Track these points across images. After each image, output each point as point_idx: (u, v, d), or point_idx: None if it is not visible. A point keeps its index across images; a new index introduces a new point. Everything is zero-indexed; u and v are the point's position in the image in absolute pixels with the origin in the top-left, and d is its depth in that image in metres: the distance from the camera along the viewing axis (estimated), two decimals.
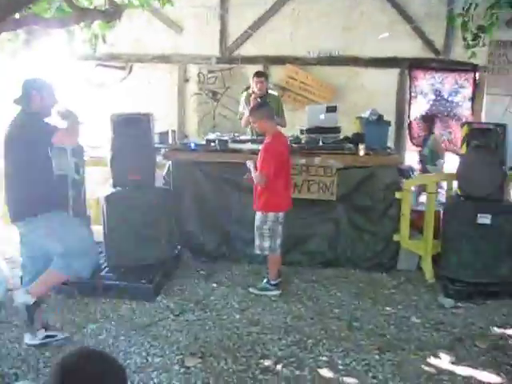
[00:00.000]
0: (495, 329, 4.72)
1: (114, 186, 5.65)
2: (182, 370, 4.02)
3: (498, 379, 3.93)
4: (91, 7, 6.15)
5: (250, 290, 5.43)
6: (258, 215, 5.32)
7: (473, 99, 8.09)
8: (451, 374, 4.00)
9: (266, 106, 5.58)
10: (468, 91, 8.11)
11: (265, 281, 5.46)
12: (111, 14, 5.11)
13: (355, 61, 8.44)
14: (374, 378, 3.94)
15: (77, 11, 4.98)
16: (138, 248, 5.40)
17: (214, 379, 3.90)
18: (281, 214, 5.32)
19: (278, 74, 8.64)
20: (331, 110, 6.40)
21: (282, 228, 5.36)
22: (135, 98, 8.30)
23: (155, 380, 3.88)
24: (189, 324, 4.77)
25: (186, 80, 8.96)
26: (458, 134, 7.84)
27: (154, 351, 4.28)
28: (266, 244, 5.32)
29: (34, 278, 4.50)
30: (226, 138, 6.35)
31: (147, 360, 4.15)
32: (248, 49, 8.71)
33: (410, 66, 8.40)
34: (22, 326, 4.44)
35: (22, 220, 4.38)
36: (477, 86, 8.14)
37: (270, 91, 7.28)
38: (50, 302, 5.10)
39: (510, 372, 4.03)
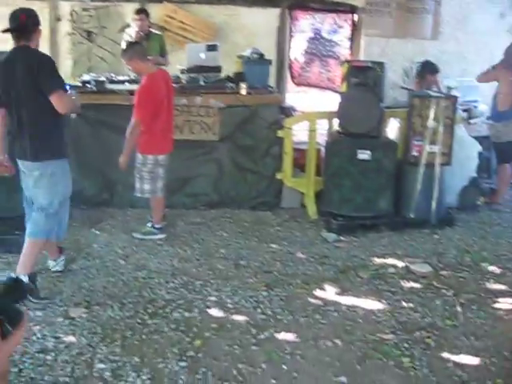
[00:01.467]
0: (376, 259, 4.94)
1: None
2: (67, 321, 3.85)
3: (380, 305, 4.13)
4: None
5: (134, 235, 5.30)
6: (138, 157, 5.15)
7: (351, 40, 8.19)
8: (337, 304, 4.14)
9: (137, 45, 5.34)
10: (347, 31, 8.20)
11: (149, 225, 5.34)
12: None
13: (234, 0, 8.26)
14: (262, 313, 3.99)
15: None
16: (11, 198, 5.05)
17: (101, 328, 3.77)
18: (161, 157, 5.17)
19: (156, 13, 8.26)
20: (212, 48, 6.26)
21: (165, 170, 5.23)
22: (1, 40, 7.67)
23: (38, 335, 3.66)
24: (71, 273, 4.57)
25: (58, 19, 8.37)
26: (337, 72, 7.96)
27: (35, 305, 4.05)
28: (147, 186, 5.18)
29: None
30: (102, 78, 6.03)
31: (28, 315, 3.92)
32: None
33: (290, 6, 8.35)
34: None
35: (40, 161, 4.03)
36: (355, 26, 8.25)
37: (152, 30, 6.99)
38: None
39: (390, 298, 4.25)
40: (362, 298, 4.22)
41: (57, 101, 3.90)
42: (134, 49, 5.13)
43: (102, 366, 3.36)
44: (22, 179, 4.24)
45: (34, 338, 3.63)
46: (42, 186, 4.11)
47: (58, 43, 8.41)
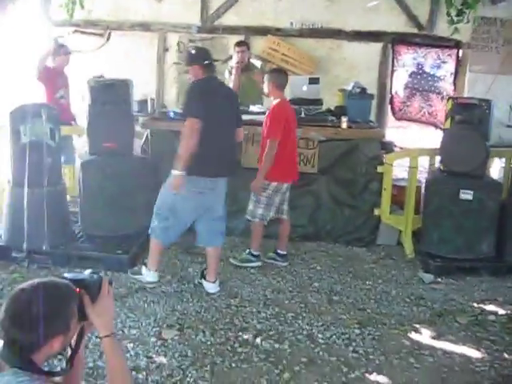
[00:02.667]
0: (475, 304, 4.72)
1: (91, 153, 5.49)
2: (159, 342, 3.94)
3: (478, 354, 3.92)
4: None
5: (231, 260, 5.35)
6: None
7: (455, 75, 8.01)
8: (432, 348, 3.98)
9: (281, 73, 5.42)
10: (450, 66, 8.02)
11: (247, 251, 5.37)
12: None
13: (338, 33, 8.28)
14: (354, 352, 3.90)
15: None
16: (115, 218, 5.27)
17: (192, 351, 3.82)
18: (284, 185, 5.21)
19: (259, 44, 8.45)
20: (314, 81, 6.29)
21: (283, 199, 5.28)
22: (113, 67, 8.06)
23: (131, 352, 3.78)
24: (166, 296, 4.67)
25: (166, 49, 8.73)
26: (438, 107, 7.79)
27: (131, 323, 4.18)
28: (260, 211, 5.19)
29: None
30: None
31: (123, 332, 4.05)
32: (230, 18, 8.48)
33: (393, 40, 8.29)
34: None
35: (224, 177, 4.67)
36: (460, 62, 8.06)
37: (252, 61, 7.13)
38: (23, 272, 4.97)
39: (490, 347, 4.03)
40: (459, 345, 4.04)
41: (240, 133, 4.80)
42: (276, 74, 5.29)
43: None
44: (203, 198, 4.58)
45: (128, 355, 3.73)
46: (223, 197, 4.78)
47: (165, 72, 8.75)
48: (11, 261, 5.15)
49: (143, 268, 4.81)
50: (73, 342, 2.06)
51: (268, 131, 5.05)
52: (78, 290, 2.00)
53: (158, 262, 4.81)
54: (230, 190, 5.65)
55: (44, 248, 5.11)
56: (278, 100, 5.15)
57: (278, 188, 5.15)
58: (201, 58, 4.61)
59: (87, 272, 2.14)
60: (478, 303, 4.74)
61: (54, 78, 6.62)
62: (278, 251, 5.41)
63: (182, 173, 4.35)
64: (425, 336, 4.16)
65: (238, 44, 6.98)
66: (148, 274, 4.76)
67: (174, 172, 4.39)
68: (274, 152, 4.97)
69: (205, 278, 4.82)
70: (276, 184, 5.12)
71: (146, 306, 4.48)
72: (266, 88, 5.27)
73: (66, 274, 2.09)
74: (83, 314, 2.02)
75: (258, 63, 7.33)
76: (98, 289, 2.07)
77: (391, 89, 8.41)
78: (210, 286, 4.77)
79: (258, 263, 5.31)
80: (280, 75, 5.28)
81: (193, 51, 4.82)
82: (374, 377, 3.61)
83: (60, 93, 6.68)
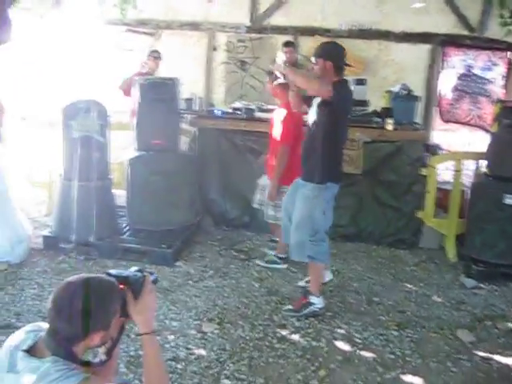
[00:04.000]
0: None
1: (138, 150, 5.63)
2: (199, 335, 4.03)
3: None
4: None
5: (257, 261, 5.36)
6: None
7: (507, 78, 7.86)
8: (470, 353, 3.95)
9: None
10: (501, 69, 7.88)
11: (273, 253, 5.39)
12: None
13: (387, 35, 8.24)
14: (391, 353, 3.91)
15: None
16: (160, 213, 5.40)
17: (231, 345, 3.90)
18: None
19: (307, 45, 8.47)
20: (360, 82, 6.29)
21: None
22: (163, 66, 8.24)
23: (172, 343, 3.89)
24: (208, 290, 4.77)
25: (214, 48, 8.84)
26: (488, 110, 7.66)
27: (172, 315, 4.29)
28: (278, 214, 4.99)
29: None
30: (252, 106, 6.28)
31: (165, 323, 4.16)
32: (278, 19, 8.54)
33: (443, 42, 8.19)
34: None
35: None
36: (511, 64, 7.91)
37: (299, 62, 7.18)
38: (70, 262, 5.14)
39: None
40: (498, 351, 3.99)
41: None
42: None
43: (227, 382, 3.49)
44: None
45: (168, 345, 3.85)
46: None
47: (213, 71, 8.87)
48: (60, 251, 5.34)
49: (311, 297, 4.43)
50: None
51: (282, 138, 4.96)
52: (121, 286, 2.07)
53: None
54: None
55: (91, 240, 5.29)
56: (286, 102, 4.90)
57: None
58: (339, 58, 4.25)
59: (132, 269, 2.18)
60: None
61: None
62: (279, 255, 5.34)
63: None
64: (464, 341, 4.13)
65: (286, 44, 7.04)
66: (317, 301, 4.43)
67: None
68: (286, 158, 4.92)
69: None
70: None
71: (187, 299, 4.58)
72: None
73: (111, 271, 2.13)
74: (125, 310, 2.07)
75: (303, 63, 7.36)
76: (141, 286, 2.11)
77: (439, 91, 8.32)
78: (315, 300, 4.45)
79: (284, 265, 5.29)
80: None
81: (333, 46, 4.40)
82: (409, 378, 3.61)
83: None
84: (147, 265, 5.13)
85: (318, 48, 4.34)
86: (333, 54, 4.25)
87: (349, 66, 4.34)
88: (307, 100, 4.45)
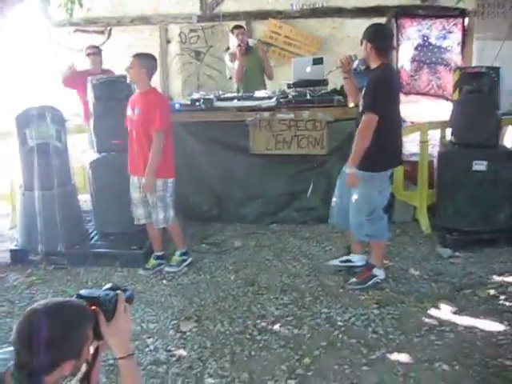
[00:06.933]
0: (494, 277, 4.63)
1: (99, 151, 5.48)
2: (178, 334, 3.95)
3: (500, 327, 3.86)
4: None
5: (166, 268, 5.02)
6: (157, 184, 4.78)
7: (462, 44, 7.87)
8: (453, 324, 3.92)
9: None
10: (457, 36, 7.88)
11: (177, 253, 5.10)
12: None
13: (340, 11, 8.21)
14: (374, 332, 3.86)
15: None
16: (126, 214, 5.24)
17: (211, 342, 3.82)
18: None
19: (261, 29, 8.40)
20: (318, 62, 6.22)
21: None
22: (116, 63, 8.04)
23: (151, 347, 3.80)
24: (183, 288, 4.68)
25: (168, 41, 8.70)
26: (448, 79, 7.66)
27: (149, 317, 4.20)
28: (172, 213, 4.92)
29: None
30: (211, 96, 6.15)
31: (142, 327, 4.06)
32: (229, 5, 8.44)
33: (397, 14, 8.16)
34: None
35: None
36: (466, 31, 7.92)
37: (250, 44, 7.10)
38: (40, 274, 5.00)
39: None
40: (480, 319, 3.97)
41: None
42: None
43: (211, 380, 3.42)
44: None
45: (147, 349, 3.76)
46: None
47: (168, 64, 8.72)
48: (28, 264, 5.20)
49: (375, 270, 4.53)
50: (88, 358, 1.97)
51: (156, 122, 4.67)
52: (93, 307, 1.93)
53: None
54: (241, 177, 5.66)
55: (59, 249, 5.15)
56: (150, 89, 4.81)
57: (174, 181, 4.93)
58: (381, 40, 4.29)
59: (106, 286, 2.05)
60: (497, 275, 4.65)
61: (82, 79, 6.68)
62: (157, 254, 5.13)
63: (354, 169, 4.24)
64: (445, 312, 4.10)
65: (236, 27, 6.97)
66: (380, 272, 4.54)
67: (350, 170, 4.26)
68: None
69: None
70: (173, 178, 4.91)
71: (163, 299, 4.48)
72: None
73: (81, 291, 1.99)
74: (98, 333, 1.93)
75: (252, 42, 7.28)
76: (114, 307, 1.97)
77: (397, 63, 8.30)
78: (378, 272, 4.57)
79: (191, 258, 5.11)
80: (154, 61, 4.89)
81: (373, 28, 4.40)
82: (394, 356, 3.57)
83: None
84: (119, 268, 5.03)
85: (365, 30, 4.40)
86: (374, 36, 4.29)
87: (394, 49, 4.43)
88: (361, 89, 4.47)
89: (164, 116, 4.74)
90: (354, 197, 4.41)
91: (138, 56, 4.77)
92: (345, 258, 4.87)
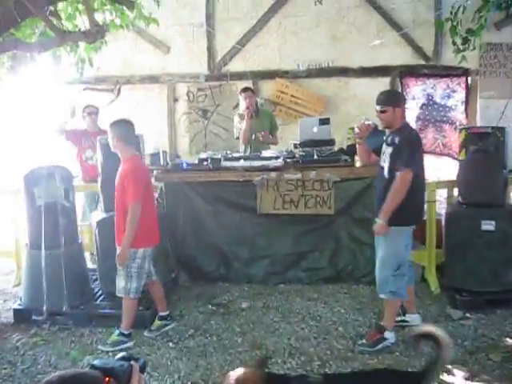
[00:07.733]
0: (508, 339, 4.55)
1: (106, 210, 5.48)
2: None
3: None
4: (75, 30, 6.02)
5: (99, 347, 4.69)
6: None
7: (466, 103, 7.95)
8: None
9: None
10: (461, 95, 7.97)
11: (116, 332, 4.75)
12: (93, 35, 4.95)
13: (345, 71, 8.31)
14: None
15: (58, 34, 4.84)
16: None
17: None
18: (150, 249, 4.78)
19: (268, 88, 8.51)
20: (324, 122, 6.27)
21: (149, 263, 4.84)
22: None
23: None
24: (189, 351, 4.59)
25: (176, 100, 8.82)
26: (453, 137, 7.72)
27: (154, 382, 4.09)
28: (134, 285, 4.65)
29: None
30: (218, 156, 6.18)
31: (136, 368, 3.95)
32: (236, 65, 8.57)
33: (401, 73, 8.28)
34: None
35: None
36: (469, 89, 8.02)
37: (260, 107, 7.17)
38: (43, 335, 4.93)
39: None
40: None
41: None
42: None
43: None
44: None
45: None
46: None
47: (176, 122, 8.81)
48: (31, 324, 5.12)
49: (386, 333, 4.50)
50: None
51: (130, 194, 4.53)
52: (107, 379, 1.88)
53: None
54: (248, 237, 5.65)
55: (64, 309, 5.08)
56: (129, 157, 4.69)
57: (146, 253, 4.70)
58: (404, 104, 4.62)
59: (118, 356, 2.03)
60: (510, 338, 4.56)
61: (80, 139, 6.75)
62: (161, 314, 5.00)
63: (385, 223, 4.35)
64: (458, 377, 4.00)
65: (244, 90, 7.02)
66: (390, 336, 4.50)
67: (381, 221, 4.36)
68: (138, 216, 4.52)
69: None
70: (143, 249, 4.66)
71: (169, 363, 4.39)
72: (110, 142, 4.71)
73: (95, 362, 1.95)
74: None
75: (267, 109, 7.35)
76: (128, 378, 1.95)
77: None
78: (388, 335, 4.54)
79: (131, 343, 4.72)
80: (126, 126, 4.74)
81: (394, 93, 4.72)
82: None
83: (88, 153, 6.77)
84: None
85: (383, 96, 4.63)
86: (398, 101, 4.57)
87: None
88: (375, 151, 4.74)
89: (138, 188, 4.54)
90: (381, 252, 4.47)
91: (110, 125, 4.70)
92: (399, 318, 4.82)
